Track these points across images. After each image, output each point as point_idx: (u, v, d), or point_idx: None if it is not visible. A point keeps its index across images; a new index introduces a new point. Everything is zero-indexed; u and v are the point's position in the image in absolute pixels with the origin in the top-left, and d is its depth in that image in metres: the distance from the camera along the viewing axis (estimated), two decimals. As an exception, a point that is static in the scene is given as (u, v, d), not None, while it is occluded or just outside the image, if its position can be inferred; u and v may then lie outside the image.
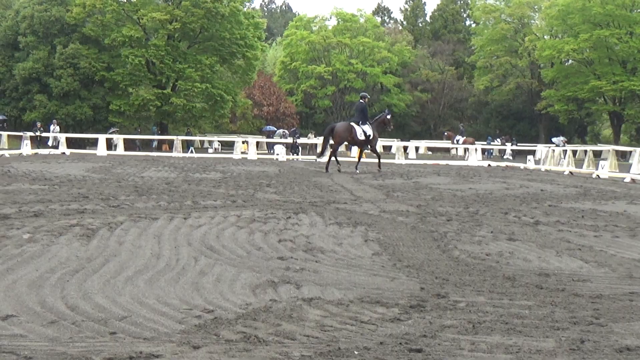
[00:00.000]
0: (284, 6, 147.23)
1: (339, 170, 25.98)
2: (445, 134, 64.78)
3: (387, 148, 55.67)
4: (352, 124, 26.00)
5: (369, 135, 25.89)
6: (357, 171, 26.09)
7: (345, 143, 28.98)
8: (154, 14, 54.41)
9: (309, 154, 49.26)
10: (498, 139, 66.97)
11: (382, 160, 28.31)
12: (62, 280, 6.54)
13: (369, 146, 26.53)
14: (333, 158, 26.45)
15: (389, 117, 27.40)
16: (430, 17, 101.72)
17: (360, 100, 26.51)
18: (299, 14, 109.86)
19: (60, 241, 8.50)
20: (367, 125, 25.99)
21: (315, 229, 10.47)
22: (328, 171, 25.77)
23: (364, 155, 29.31)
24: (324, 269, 7.54)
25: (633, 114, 68.78)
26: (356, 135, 25.80)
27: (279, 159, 39.51)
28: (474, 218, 12.30)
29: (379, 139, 30.68)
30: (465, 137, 58.09)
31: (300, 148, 46.53)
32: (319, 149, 30.50)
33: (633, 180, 25.52)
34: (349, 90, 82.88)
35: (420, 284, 6.83)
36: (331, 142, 26.68)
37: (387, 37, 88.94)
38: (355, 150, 36.77)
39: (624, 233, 10.73)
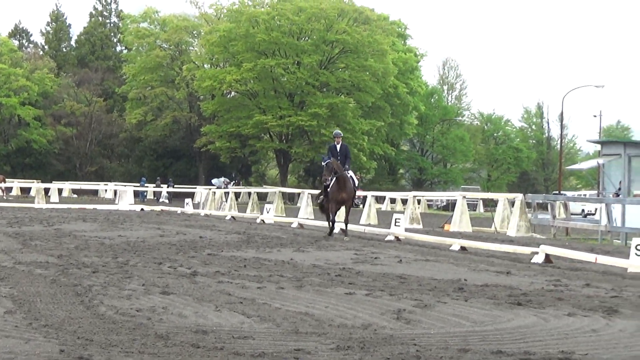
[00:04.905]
0: None
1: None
2: None
3: (25, 190, 53.84)
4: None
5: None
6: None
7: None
8: None
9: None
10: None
11: (19, 205, 27.17)
12: None
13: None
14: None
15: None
16: (76, 42, 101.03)
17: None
18: None
19: None
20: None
21: None
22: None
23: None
24: (-60, 334, 7.27)
25: (301, 152, 72.06)
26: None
27: None
28: (124, 269, 12.42)
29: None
30: None
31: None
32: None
33: (301, 226, 27.05)
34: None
35: (59, 346, 6.77)
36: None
37: (25, 63, 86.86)
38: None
39: (290, 284, 11.31)
